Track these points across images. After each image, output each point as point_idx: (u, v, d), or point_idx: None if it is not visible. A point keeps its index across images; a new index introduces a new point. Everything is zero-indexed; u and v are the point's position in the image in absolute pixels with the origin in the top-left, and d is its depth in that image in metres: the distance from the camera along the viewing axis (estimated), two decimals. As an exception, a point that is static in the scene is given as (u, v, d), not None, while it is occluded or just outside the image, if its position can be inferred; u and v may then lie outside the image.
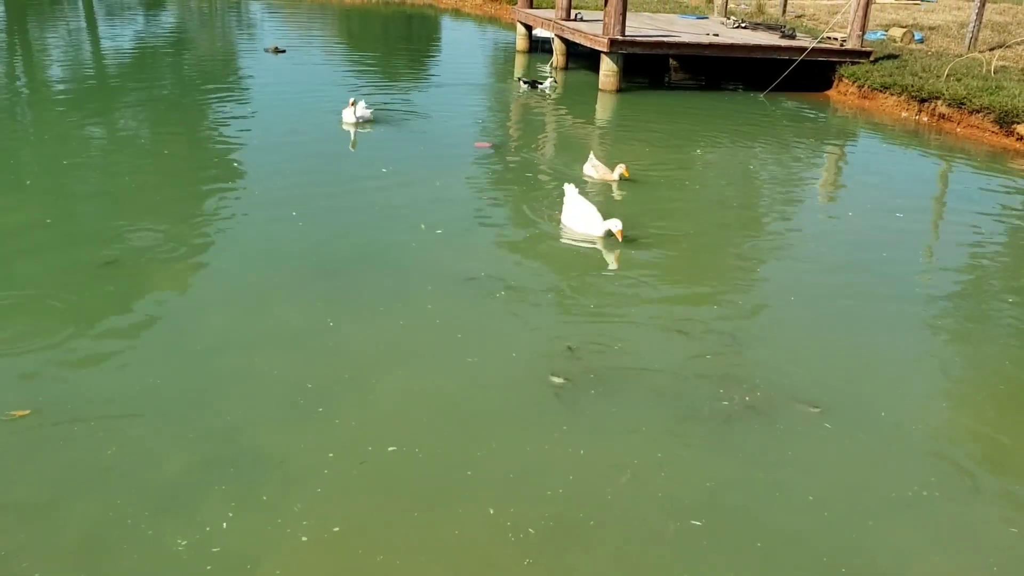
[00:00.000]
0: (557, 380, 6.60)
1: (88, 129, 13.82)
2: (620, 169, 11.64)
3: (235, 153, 12.31)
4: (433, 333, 7.31)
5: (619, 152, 13.72)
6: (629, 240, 9.52)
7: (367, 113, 14.08)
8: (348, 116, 13.91)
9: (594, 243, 9.29)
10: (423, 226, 9.51)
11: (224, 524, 4.97)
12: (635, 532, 5.15)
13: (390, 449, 5.73)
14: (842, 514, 5.41)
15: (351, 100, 14.05)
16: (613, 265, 9.02)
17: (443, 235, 9.34)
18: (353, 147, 12.66)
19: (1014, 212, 11.91)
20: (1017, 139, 14.85)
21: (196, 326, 7.27)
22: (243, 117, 14.70)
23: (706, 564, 4.92)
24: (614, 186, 11.59)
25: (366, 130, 13.71)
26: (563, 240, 9.39)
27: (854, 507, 5.48)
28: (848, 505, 5.50)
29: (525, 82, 19.01)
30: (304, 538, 4.91)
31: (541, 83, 18.84)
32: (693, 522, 5.23)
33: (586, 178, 11.80)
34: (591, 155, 12.10)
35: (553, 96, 18.20)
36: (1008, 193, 12.74)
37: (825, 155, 14.86)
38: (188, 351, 6.86)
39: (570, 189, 9.85)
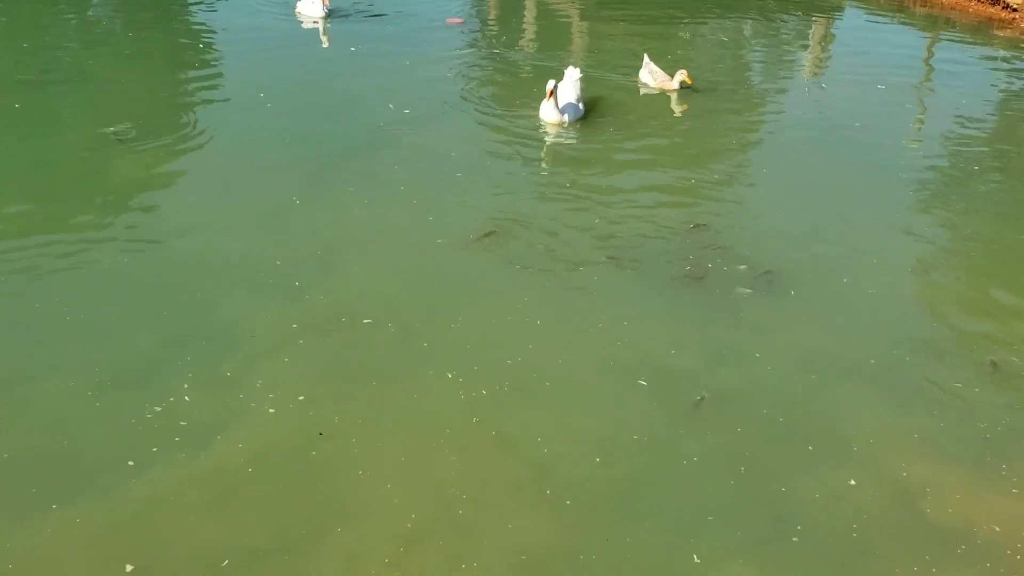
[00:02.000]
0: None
1: (50, 14, 13.43)
2: (680, 76, 10.13)
3: (201, 38, 12.01)
4: (402, 212, 7.37)
5: (599, 31, 13.45)
6: (608, 119, 9.46)
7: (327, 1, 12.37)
8: (314, 9, 12.29)
9: (567, 125, 9.21)
10: (391, 106, 9.42)
11: (188, 397, 5.16)
12: (583, 392, 5.40)
13: (360, 322, 5.88)
14: (789, 373, 5.64)
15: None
16: (589, 144, 8.98)
17: (412, 115, 9.26)
18: (327, 40, 11.74)
19: (996, 83, 11.78)
20: (1003, 8, 14.51)
21: (165, 207, 7.33)
22: (210, 3, 14.25)
23: (645, 419, 5.18)
24: (673, 96, 10.15)
25: (330, 24, 12.42)
26: (537, 121, 9.29)
27: (801, 367, 5.71)
28: (795, 365, 5.72)
29: None
30: (271, 409, 5.10)
31: None
32: (640, 382, 5.45)
33: (640, 85, 10.41)
34: (646, 58, 10.47)
35: None
36: (991, 61, 12.58)
37: (809, 28, 14.54)
38: (157, 231, 6.93)
39: (572, 72, 9.42)
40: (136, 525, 4.36)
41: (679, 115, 9.86)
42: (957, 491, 4.79)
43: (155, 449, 4.78)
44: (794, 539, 4.47)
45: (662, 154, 8.88)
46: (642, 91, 10.33)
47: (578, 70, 9.49)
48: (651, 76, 10.36)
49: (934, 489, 4.80)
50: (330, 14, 12.44)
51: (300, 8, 12.57)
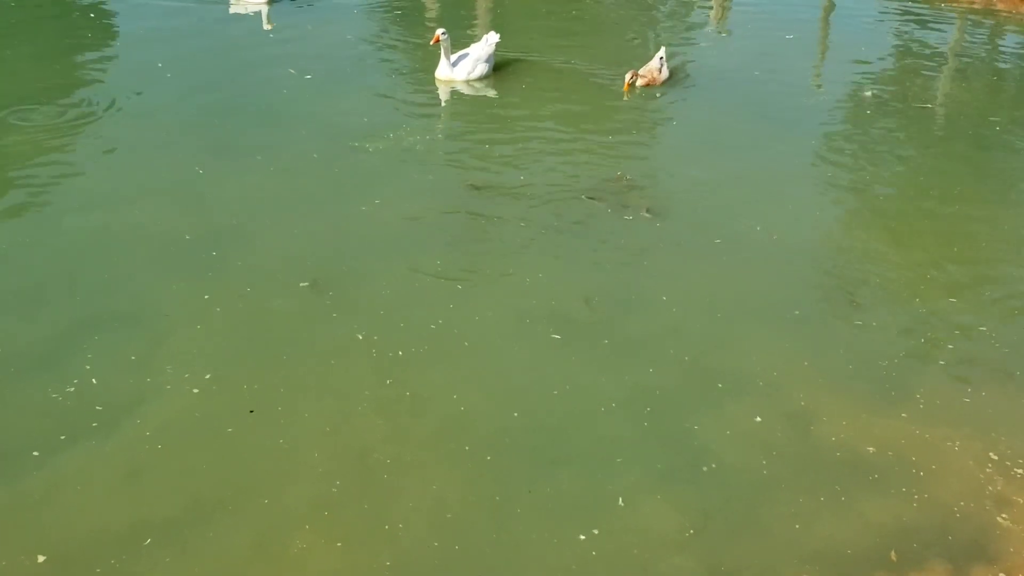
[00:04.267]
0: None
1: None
2: (627, 76, 9.09)
3: (93, 10, 11.47)
4: (313, 179, 7.23)
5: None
6: (509, 74, 9.45)
7: None
8: None
9: (464, 81, 9.16)
10: (292, 71, 9.22)
11: (96, 380, 5.00)
12: (498, 346, 5.46)
13: (276, 291, 5.78)
14: (695, 315, 5.77)
15: None
16: (498, 103, 8.96)
17: (313, 80, 9.08)
18: (270, 27, 10.57)
19: (892, 31, 12.13)
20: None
21: (64, 183, 7.04)
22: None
23: (560, 370, 5.27)
24: (625, 95, 9.14)
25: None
26: (441, 81, 9.22)
27: (708, 308, 5.85)
28: (702, 307, 5.86)
29: None
30: (190, 388, 4.99)
31: None
32: (553, 336, 5.53)
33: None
34: (662, 51, 9.48)
35: None
36: (887, 10, 12.93)
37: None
38: (58, 209, 6.65)
39: (491, 36, 9.38)
40: (47, 513, 4.23)
41: (585, 73, 9.86)
42: (867, 422, 4.99)
43: (62, 437, 4.61)
44: (709, 476, 4.61)
45: (570, 109, 8.89)
46: (630, 112, 9.04)
47: (497, 35, 9.42)
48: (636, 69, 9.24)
49: (843, 422, 5.00)
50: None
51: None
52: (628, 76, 9.08)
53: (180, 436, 4.67)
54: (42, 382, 4.95)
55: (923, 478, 4.65)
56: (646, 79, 9.19)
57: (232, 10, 11.12)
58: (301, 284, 5.86)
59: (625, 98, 9.10)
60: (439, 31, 8.88)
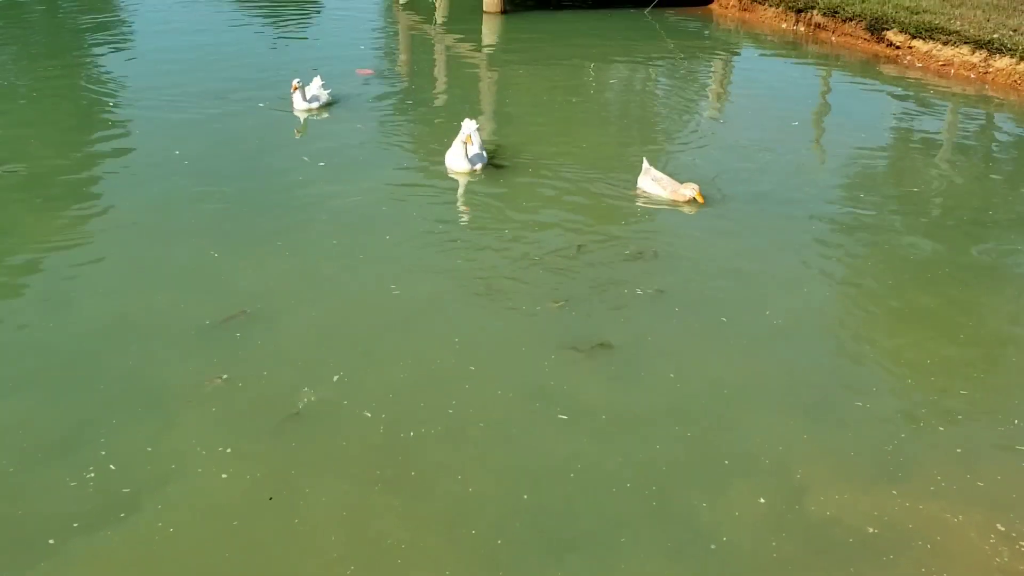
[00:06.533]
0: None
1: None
2: (691, 191, 8.75)
3: (114, 97, 11.87)
4: (331, 264, 7.39)
5: (509, 78, 13.78)
6: (514, 162, 9.71)
7: (324, 94, 11.22)
8: (297, 102, 11.01)
9: (482, 174, 9.40)
10: (306, 159, 9.51)
11: (114, 466, 5.07)
12: (507, 428, 5.57)
13: (287, 377, 5.90)
14: (708, 396, 5.90)
15: (295, 83, 11.00)
16: (504, 187, 9.16)
17: (327, 168, 9.35)
18: (300, 134, 10.66)
19: (888, 116, 12.51)
20: (887, 45, 15.44)
21: (83, 268, 7.20)
22: (127, 61, 14.10)
23: (566, 450, 5.38)
24: (686, 210, 8.79)
25: (322, 116, 11.06)
26: (456, 173, 9.43)
27: (723, 390, 5.98)
28: (715, 389, 5.99)
29: None
30: (211, 474, 5.05)
31: None
32: (560, 416, 5.65)
33: (640, 194, 9.05)
34: (645, 163, 9.17)
35: (438, 21, 17.90)
36: (882, 95, 13.36)
37: (711, 68, 15.19)
38: (78, 294, 6.78)
39: (468, 124, 9.60)
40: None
41: (581, 154, 10.12)
42: (873, 503, 5.05)
43: (76, 524, 4.66)
44: (717, 555, 4.65)
45: (576, 193, 9.09)
46: (640, 202, 8.95)
47: (474, 122, 9.63)
48: (657, 184, 8.92)
49: (849, 502, 5.05)
50: (329, 105, 11.23)
51: (297, 106, 11.08)
52: (695, 191, 8.76)
53: (195, 522, 4.72)
54: (59, 468, 5.03)
55: (934, 558, 4.69)
56: (670, 195, 8.90)
57: (297, 113, 11.11)
58: (317, 367, 5.97)
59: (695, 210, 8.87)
60: (470, 128, 9.18)
